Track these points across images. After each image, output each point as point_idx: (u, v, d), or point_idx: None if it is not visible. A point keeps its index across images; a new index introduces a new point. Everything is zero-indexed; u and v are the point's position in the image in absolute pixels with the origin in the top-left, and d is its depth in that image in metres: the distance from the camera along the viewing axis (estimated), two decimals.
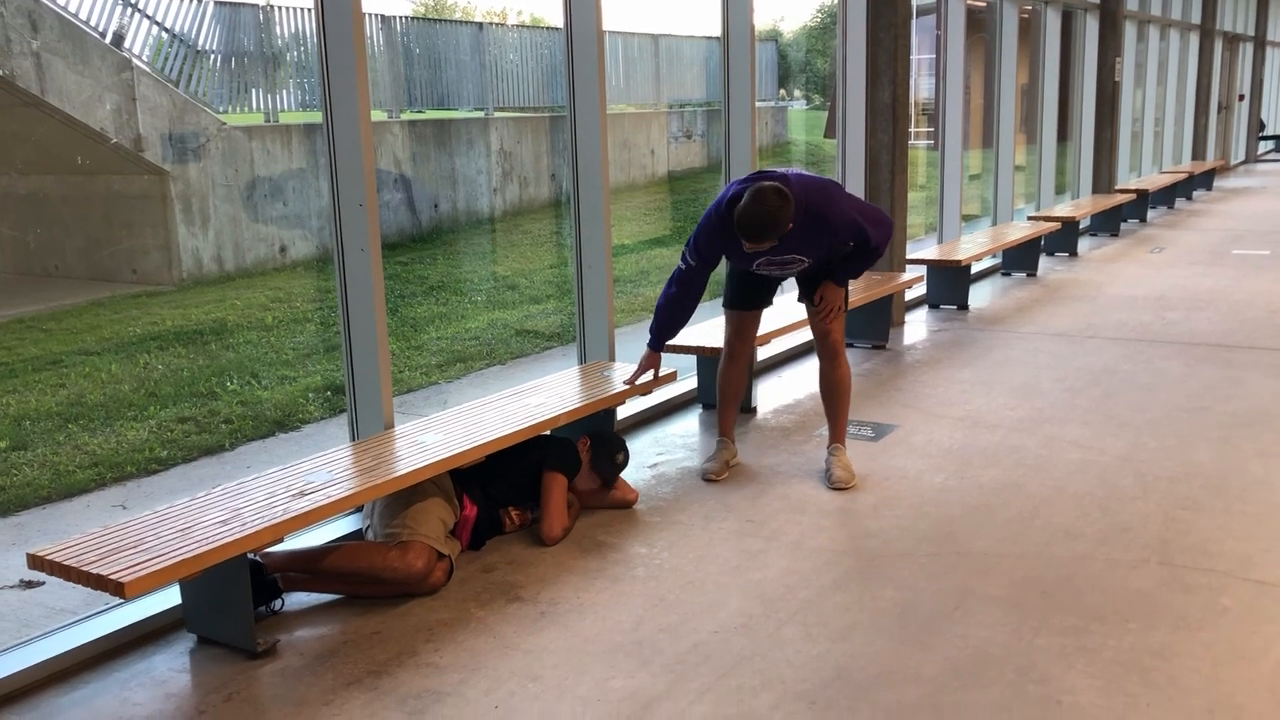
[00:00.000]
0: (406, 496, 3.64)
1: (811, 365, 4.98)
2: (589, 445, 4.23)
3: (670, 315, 4.37)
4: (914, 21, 7.66)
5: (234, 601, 3.19)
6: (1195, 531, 3.91)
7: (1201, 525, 3.97)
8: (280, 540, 3.18)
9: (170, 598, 3.38)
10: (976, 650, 3.12)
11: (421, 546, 3.52)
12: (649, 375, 4.56)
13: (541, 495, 4.02)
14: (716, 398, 4.79)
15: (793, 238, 4.04)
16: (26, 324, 8.02)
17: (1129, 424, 5.15)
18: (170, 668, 3.17)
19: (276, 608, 3.46)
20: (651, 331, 4.44)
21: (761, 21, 5.83)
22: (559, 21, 4.97)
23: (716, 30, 6.21)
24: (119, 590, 2.76)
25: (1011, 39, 10.05)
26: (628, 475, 4.54)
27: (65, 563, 2.88)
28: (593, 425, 4.50)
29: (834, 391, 4.56)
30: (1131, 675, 2.97)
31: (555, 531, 3.96)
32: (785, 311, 5.50)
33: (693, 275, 4.27)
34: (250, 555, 3.24)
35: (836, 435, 4.60)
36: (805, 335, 5.02)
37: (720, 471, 4.62)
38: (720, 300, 4.72)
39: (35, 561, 2.94)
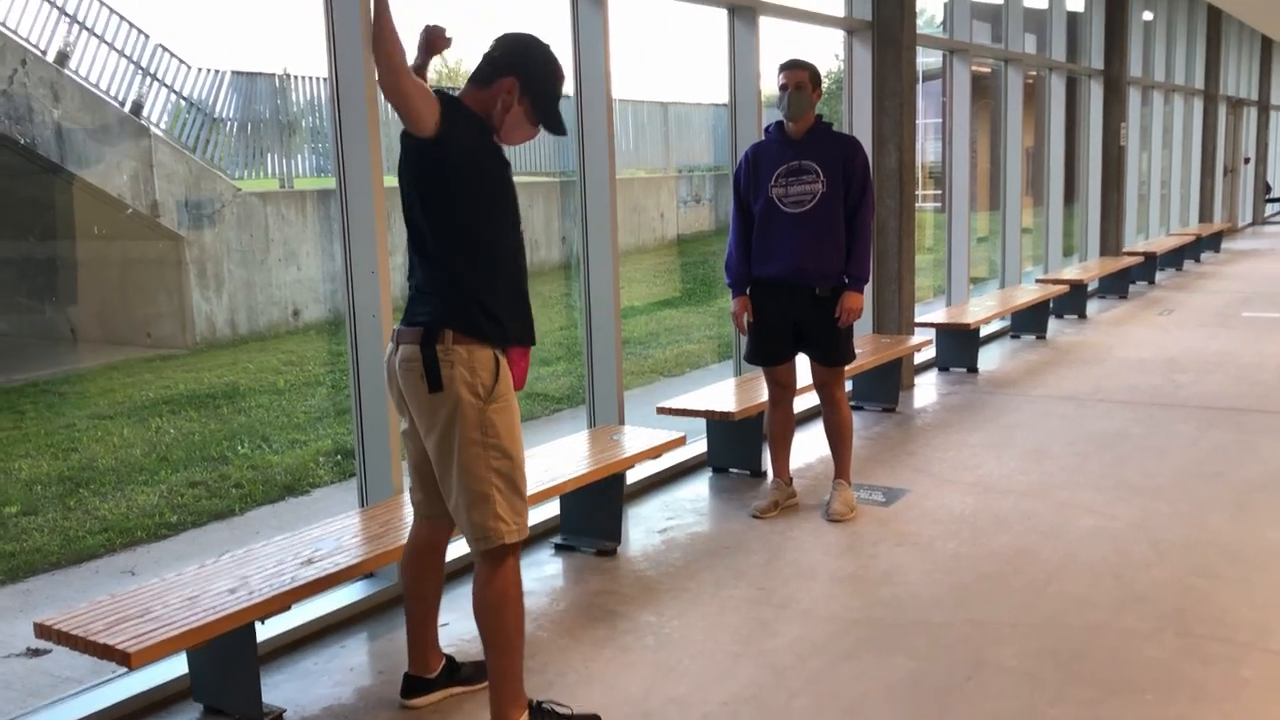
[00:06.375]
0: None
1: (820, 429, 5.05)
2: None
3: (734, 258, 4.82)
4: (920, 86, 7.75)
5: (241, 670, 3.17)
6: (1213, 601, 3.86)
7: (1219, 594, 3.92)
8: (288, 608, 3.17)
9: (178, 666, 3.35)
10: None
11: None
12: (746, 318, 4.85)
13: None
14: (768, 443, 5.05)
15: (813, 139, 4.67)
16: (40, 387, 8.07)
17: (1142, 489, 5.12)
18: None
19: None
20: (730, 285, 4.88)
21: (768, 88, 5.99)
22: (570, 89, 5.05)
23: (724, 98, 6.31)
24: (125, 660, 2.75)
25: (1017, 104, 10.17)
26: (636, 541, 4.52)
27: (72, 632, 2.87)
28: (607, 488, 4.37)
29: (836, 433, 4.92)
30: None
31: None
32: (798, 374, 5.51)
33: (737, 216, 4.81)
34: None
35: (841, 472, 4.93)
36: (813, 399, 5.17)
37: (768, 510, 4.84)
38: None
39: (42, 630, 2.93)
